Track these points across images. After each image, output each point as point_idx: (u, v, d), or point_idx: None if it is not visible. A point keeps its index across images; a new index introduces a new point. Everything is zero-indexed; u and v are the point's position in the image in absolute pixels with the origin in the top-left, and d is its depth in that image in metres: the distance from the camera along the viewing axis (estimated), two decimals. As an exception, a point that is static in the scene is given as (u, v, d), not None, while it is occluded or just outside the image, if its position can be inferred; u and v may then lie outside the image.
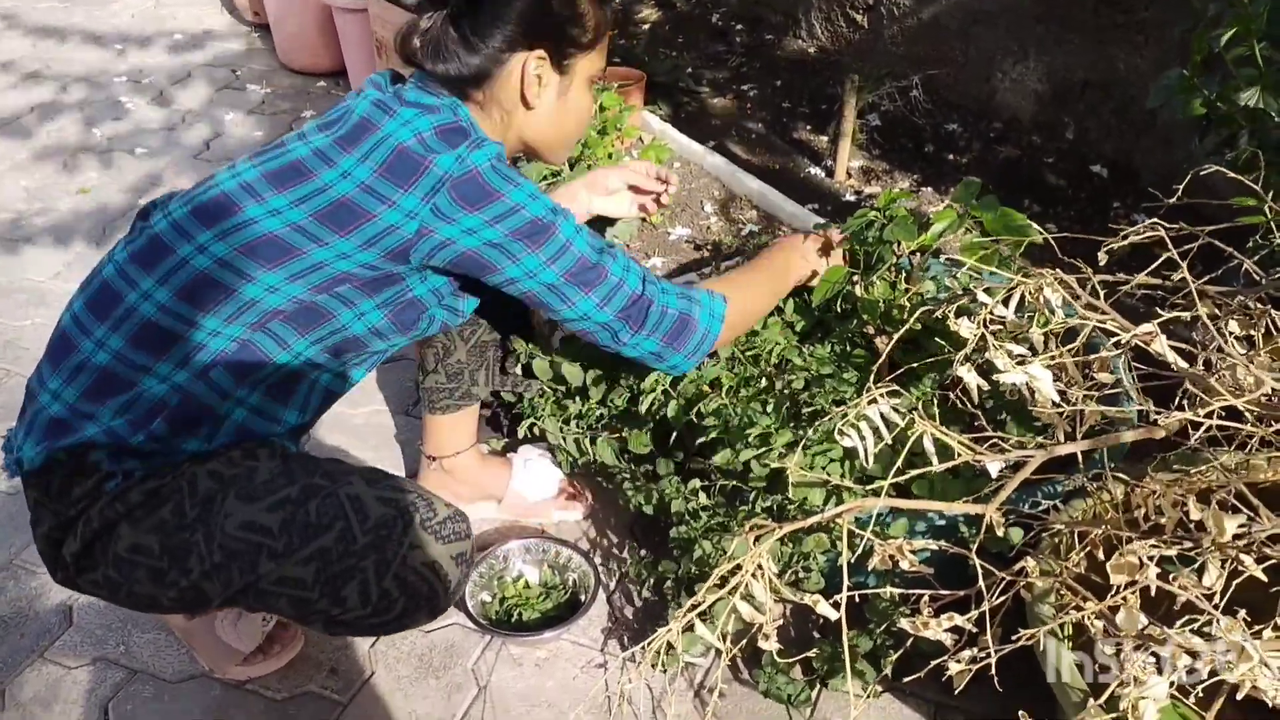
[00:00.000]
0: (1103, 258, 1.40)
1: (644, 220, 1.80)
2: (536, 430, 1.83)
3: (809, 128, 3.33)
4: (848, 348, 1.76)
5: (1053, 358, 1.30)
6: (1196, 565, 1.13)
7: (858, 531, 1.29)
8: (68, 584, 1.39)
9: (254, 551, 1.30)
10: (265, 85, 3.89)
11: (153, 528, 1.31)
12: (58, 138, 3.50)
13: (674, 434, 1.70)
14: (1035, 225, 1.56)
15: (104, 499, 1.31)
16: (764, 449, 1.49)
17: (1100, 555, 1.29)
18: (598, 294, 1.43)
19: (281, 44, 3.97)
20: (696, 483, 1.60)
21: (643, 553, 1.80)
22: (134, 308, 1.32)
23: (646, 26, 4.17)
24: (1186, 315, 1.21)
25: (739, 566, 1.27)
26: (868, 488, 1.43)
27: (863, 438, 1.27)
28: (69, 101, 3.77)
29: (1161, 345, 1.06)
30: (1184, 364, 1.10)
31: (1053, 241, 1.41)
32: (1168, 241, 1.22)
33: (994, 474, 1.21)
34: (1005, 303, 1.35)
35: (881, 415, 1.29)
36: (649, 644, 1.32)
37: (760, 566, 1.27)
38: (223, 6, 4.62)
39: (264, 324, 1.34)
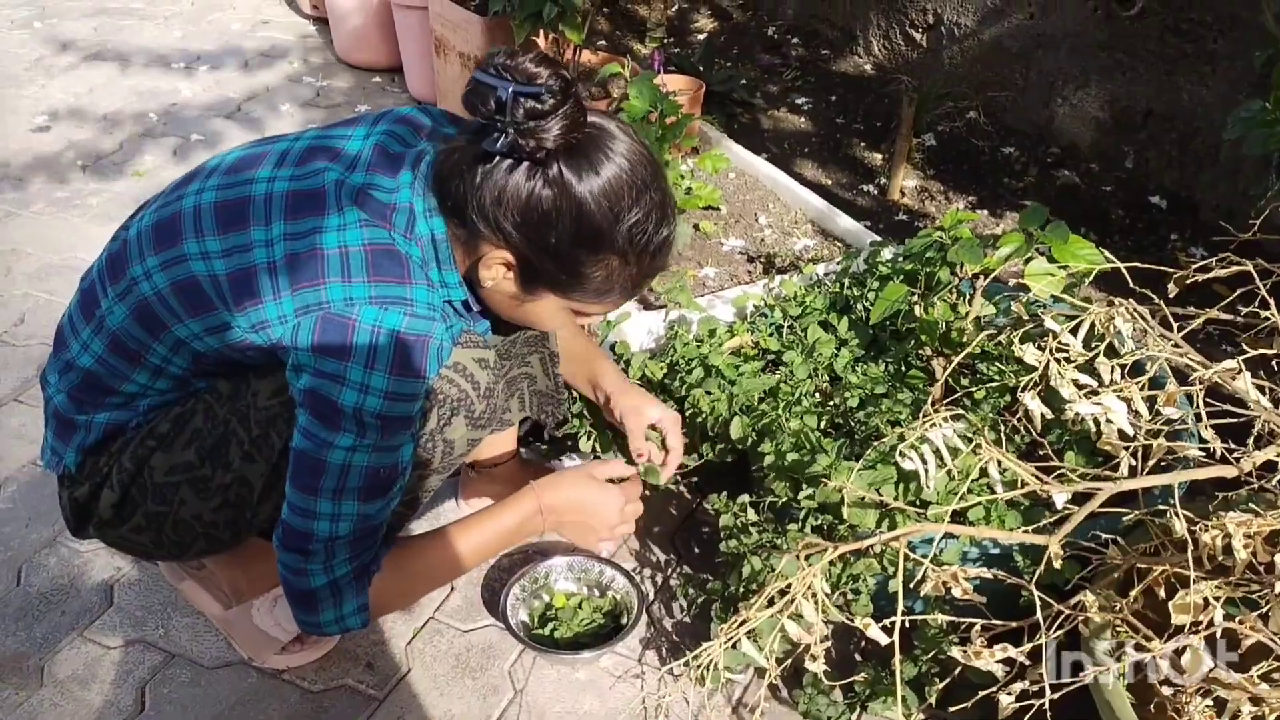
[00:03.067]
0: (1172, 289, 1.37)
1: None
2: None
3: (863, 145, 3.30)
4: (903, 368, 1.74)
5: (1119, 390, 1.27)
6: (1264, 610, 1.10)
7: (912, 556, 1.27)
8: (102, 539, 1.46)
9: (288, 407, 1.32)
10: (322, 78, 3.91)
11: (188, 441, 1.37)
12: (114, 118, 3.54)
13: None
14: (1104, 253, 1.53)
15: (133, 442, 1.38)
16: (820, 482, 1.46)
17: (1161, 593, 1.26)
18: (322, 507, 1.29)
19: (340, 38, 3.99)
20: (746, 498, 1.58)
21: (685, 568, 1.78)
22: (104, 317, 1.35)
23: (703, 36, 4.16)
24: (1267, 353, 1.17)
25: (789, 586, 1.25)
26: (923, 512, 1.40)
27: (924, 461, 1.25)
28: (128, 84, 3.81)
29: (1245, 382, 1.04)
30: (1266, 402, 1.07)
31: (1124, 270, 1.38)
32: (1254, 275, 1.19)
33: (1059, 505, 1.18)
34: (1074, 331, 1.33)
35: (944, 439, 1.27)
36: (695, 658, 1.31)
37: (811, 587, 1.25)
38: (282, -1, 4.68)
39: (221, 358, 1.35)
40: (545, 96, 1.15)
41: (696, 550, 1.84)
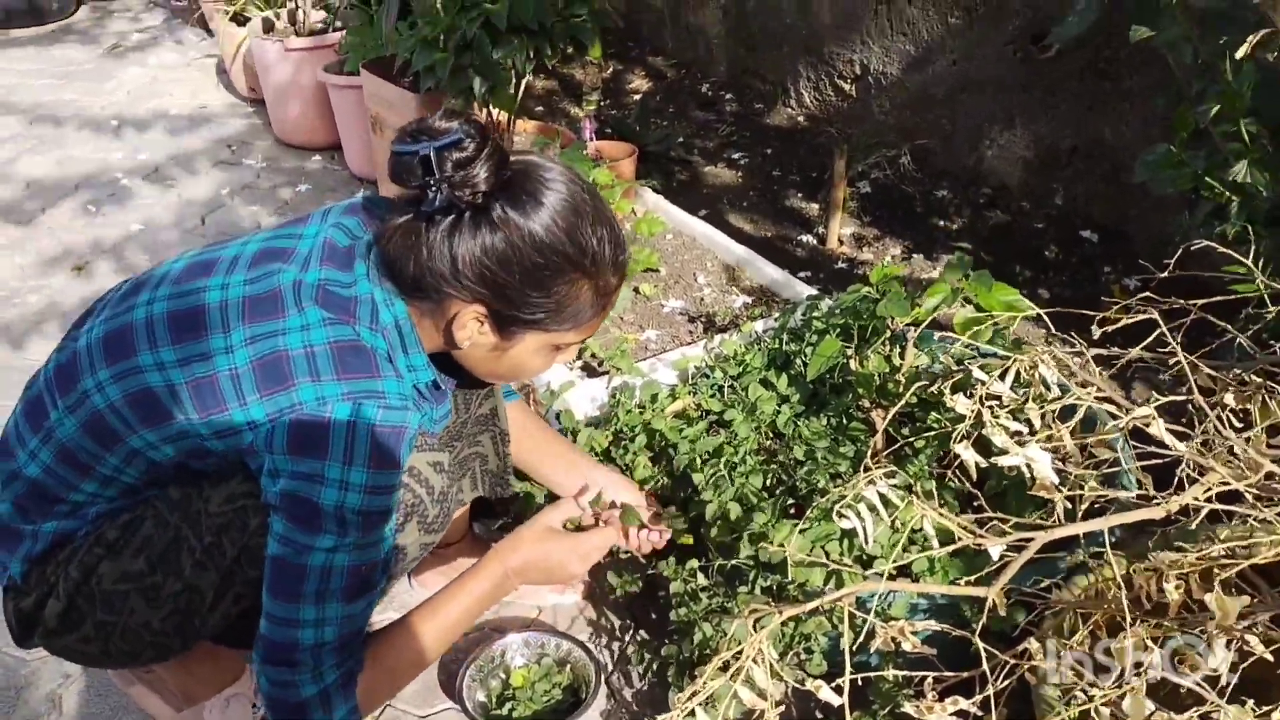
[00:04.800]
0: (1096, 331, 1.41)
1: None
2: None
3: (800, 195, 3.36)
4: (844, 421, 1.76)
5: (1050, 436, 1.29)
6: (1200, 648, 1.11)
7: (859, 614, 1.28)
8: (48, 648, 1.42)
9: (241, 514, 1.31)
10: (261, 160, 3.92)
11: (137, 550, 1.34)
12: (55, 214, 3.52)
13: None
14: (1027, 300, 1.56)
15: (81, 550, 1.35)
16: (762, 542, 1.47)
17: (1104, 635, 1.28)
18: (305, 613, 1.27)
19: (278, 119, 4.01)
20: (694, 563, 1.59)
21: (641, 634, 1.78)
22: (53, 429, 1.33)
23: (638, 96, 4.22)
24: (1183, 395, 1.20)
25: (740, 652, 1.25)
26: (868, 571, 1.41)
27: (861, 519, 1.26)
28: (64, 172, 3.79)
29: (1159, 429, 1.06)
30: (1181, 447, 1.09)
31: (1045, 317, 1.41)
32: (1159, 321, 1.22)
33: (995, 556, 1.20)
34: (1001, 379, 1.35)
35: (880, 495, 1.28)
36: (649, 732, 1.30)
37: (761, 651, 1.25)
38: (219, 83, 4.68)
39: (175, 465, 1.33)
40: (466, 142, 1.18)
41: (653, 616, 1.83)
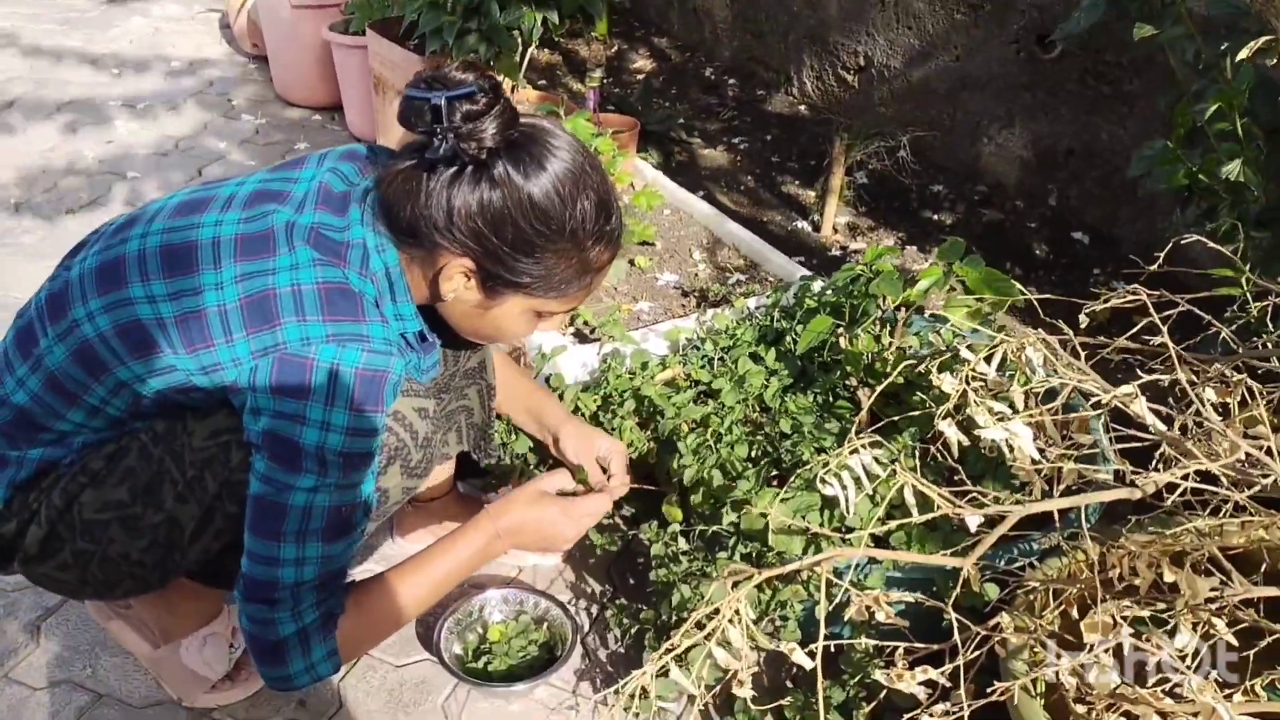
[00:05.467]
0: (1084, 320, 1.43)
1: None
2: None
3: (797, 182, 3.37)
4: (830, 398, 1.78)
5: (1032, 416, 1.32)
6: (1169, 627, 1.14)
7: (836, 581, 1.30)
8: (27, 575, 1.43)
9: (224, 449, 1.32)
10: (260, 116, 3.92)
11: (120, 479, 1.35)
12: (49, 157, 3.51)
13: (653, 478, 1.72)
14: (1019, 285, 1.58)
15: (65, 478, 1.36)
16: (743, 509, 1.49)
17: (1075, 614, 1.30)
18: (285, 552, 1.28)
19: (279, 76, 4.00)
20: (675, 527, 1.61)
21: (620, 599, 1.80)
22: (42, 356, 1.34)
23: (641, 76, 4.23)
24: (1165, 380, 1.23)
25: (716, 611, 1.27)
26: (847, 537, 1.44)
27: (844, 487, 1.28)
28: (63, 121, 3.78)
29: (1141, 407, 1.09)
30: (1162, 426, 1.12)
31: (1035, 302, 1.44)
32: (1149, 306, 1.24)
33: (973, 528, 1.22)
34: (988, 360, 1.37)
35: (863, 465, 1.30)
36: (622, 687, 1.32)
37: (738, 612, 1.27)
38: (222, 37, 4.66)
39: (161, 400, 1.34)
40: (478, 96, 1.18)
41: (632, 581, 1.85)
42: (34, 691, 1.63)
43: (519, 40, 2.73)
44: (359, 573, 1.45)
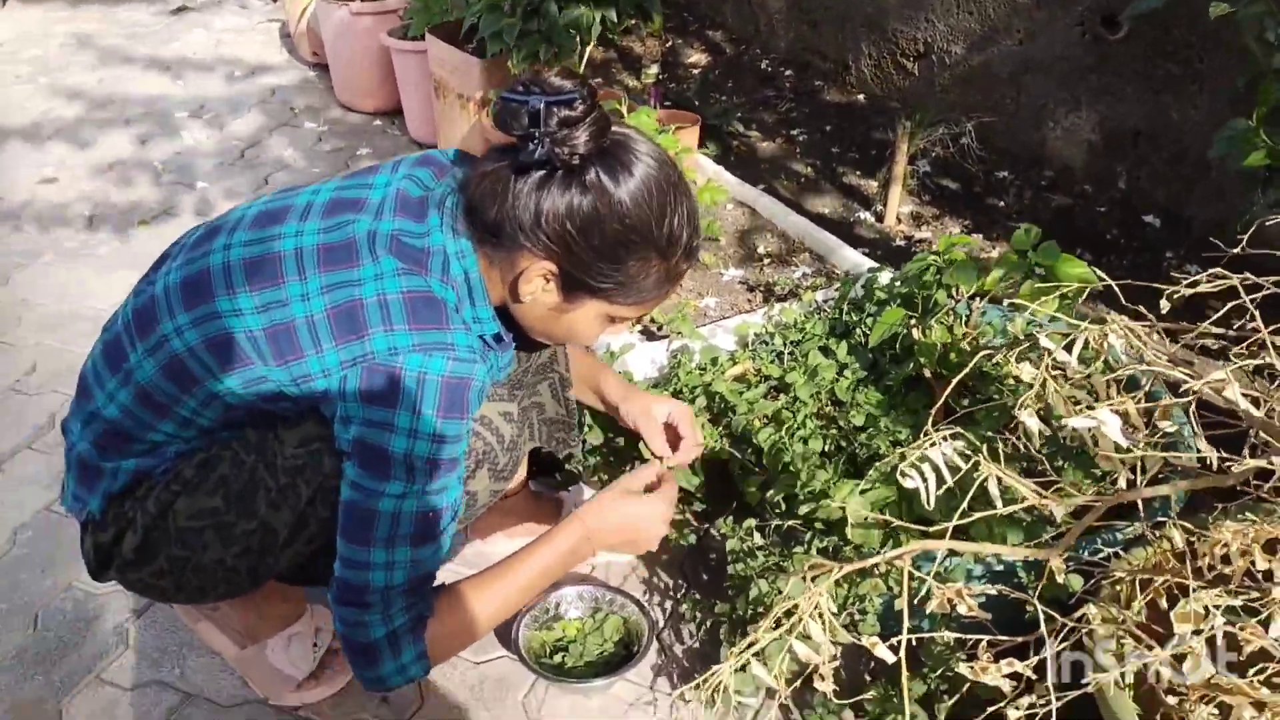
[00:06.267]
0: (1164, 305, 1.40)
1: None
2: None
3: (858, 173, 3.35)
4: (903, 391, 1.76)
5: (1115, 405, 1.29)
6: (1263, 616, 1.12)
7: (916, 575, 1.29)
8: (123, 582, 1.46)
9: (316, 456, 1.35)
10: (322, 123, 3.97)
11: (213, 488, 1.38)
12: (119, 167, 3.60)
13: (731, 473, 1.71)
14: (1096, 272, 1.56)
15: (159, 487, 1.39)
16: (821, 500, 1.48)
17: (1163, 604, 1.28)
18: (375, 556, 1.30)
19: (339, 83, 4.06)
20: (752, 522, 1.61)
21: (694, 594, 1.80)
22: (131, 371, 1.36)
23: (696, 71, 4.22)
24: (1251, 364, 1.20)
25: (796, 606, 1.27)
26: (927, 531, 1.42)
27: (925, 479, 1.27)
28: (132, 133, 3.87)
29: (1234, 393, 1.06)
30: (1256, 411, 1.09)
31: (1115, 288, 1.41)
32: (1239, 289, 1.21)
33: (1059, 519, 1.20)
34: (1068, 349, 1.35)
35: (944, 457, 1.29)
36: (703, 682, 1.32)
37: (817, 606, 1.27)
38: (283, 45, 4.74)
39: (252, 409, 1.36)
40: (576, 103, 1.19)
41: (705, 577, 1.85)
42: (125, 692, 1.67)
43: (578, 40, 2.74)
44: (440, 574, 1.47)
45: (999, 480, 1.23)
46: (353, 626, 1.33)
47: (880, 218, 3.05)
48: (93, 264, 3.00)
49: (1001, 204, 3.10)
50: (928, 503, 1.26)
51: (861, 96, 3.87)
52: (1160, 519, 1.40)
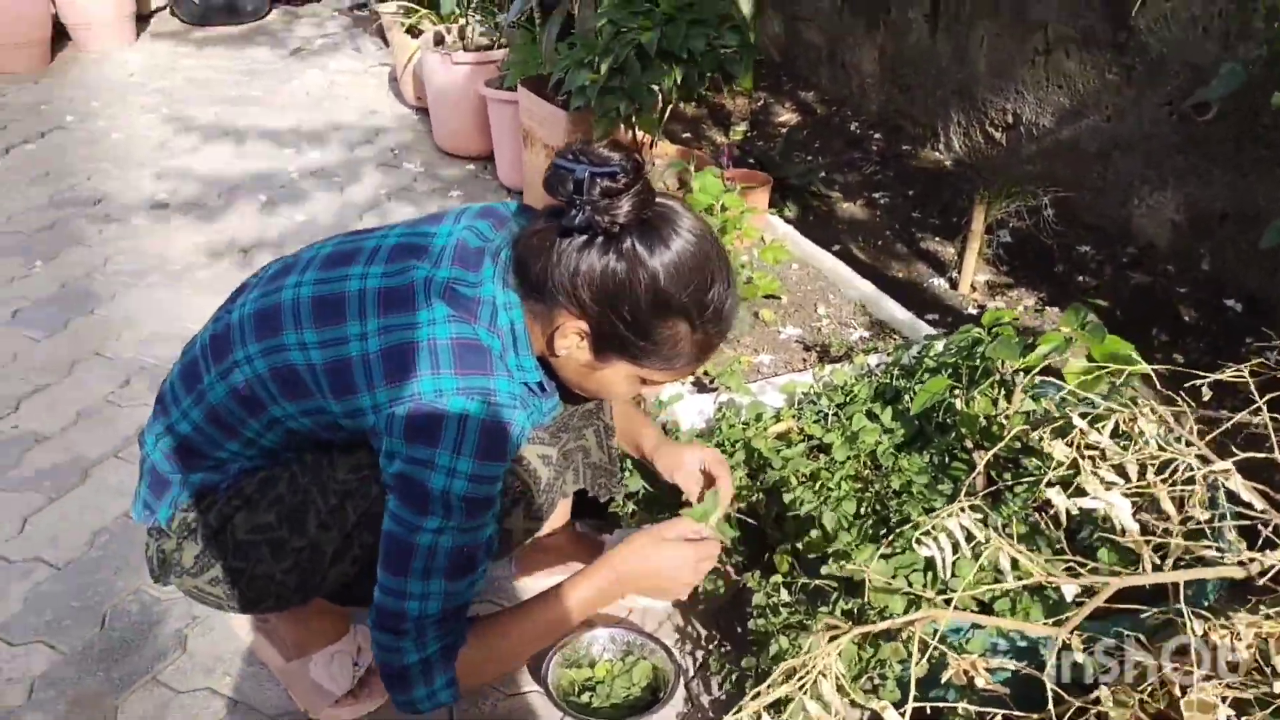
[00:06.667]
0: (1206, 392, 1.40)
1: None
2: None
3: (937, 239, 3.35)
4: (946, 460, 1.77)
5: (1141, 488, 1.29)
6: (1273, 708, 1.10)
7: (932, 643, 1.30)
8: (181, 587, 1.55)
9: (365, 483, 1.44)
10: (420, 165, 4.14)
11: (270, 505, 1.47)
12: (227, 197, 3.79)
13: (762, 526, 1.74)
14: (1138, 356, 1.56)
15: (220, 501, 1.49)
16: (843, 559, 1.50)
17: (1177, 691, 1.27)
18: (412, 587, 1.37)
19: (438, 128, 4.23)
20: (778, 578, 1.63)
21: (726, 647, 1.82)
22: (205, 392, 1.46)
23: (786, 129, 4.28)
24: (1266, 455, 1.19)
25: (804, 664, 1.29)
26: (948, 599, 1.43)
27: (941, 549, 1.29)
28: (241, 166, 4.08)
29: (1237, 483, 1.06)
30: (1260, 504, 1.09)
31: (1152, 374, 1.41)
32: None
33: (1069, 597, 1.21)
34: (1099, 428, 1.36)
35: (963, 528, 1.31)
36: (716, 732, 1.35)
37: (830, 665, 1.29)
38: (390, 89, 4.94)
39: (310, 435, 1.46)
40: (619, 175, 1.26)
41: (739, 629, 1.87)
42: (177, 694, 1.76)
43: (659, 98, 2.82)
44: (482, 608, 1.52)
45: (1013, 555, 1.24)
46: (388, 651, 1.40)
47: (955, 285, 3.05)
48: (192, 287, 3.17)
49: (1080, 278, 3.08)
50: (944, 573, 1.28)
51: (949, 163, 3.88)
52: (1177, 605, 1.39)
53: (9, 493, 2.26)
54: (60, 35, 5.45)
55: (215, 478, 1.51)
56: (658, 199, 1.33)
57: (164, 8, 6.12)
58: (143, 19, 5.89)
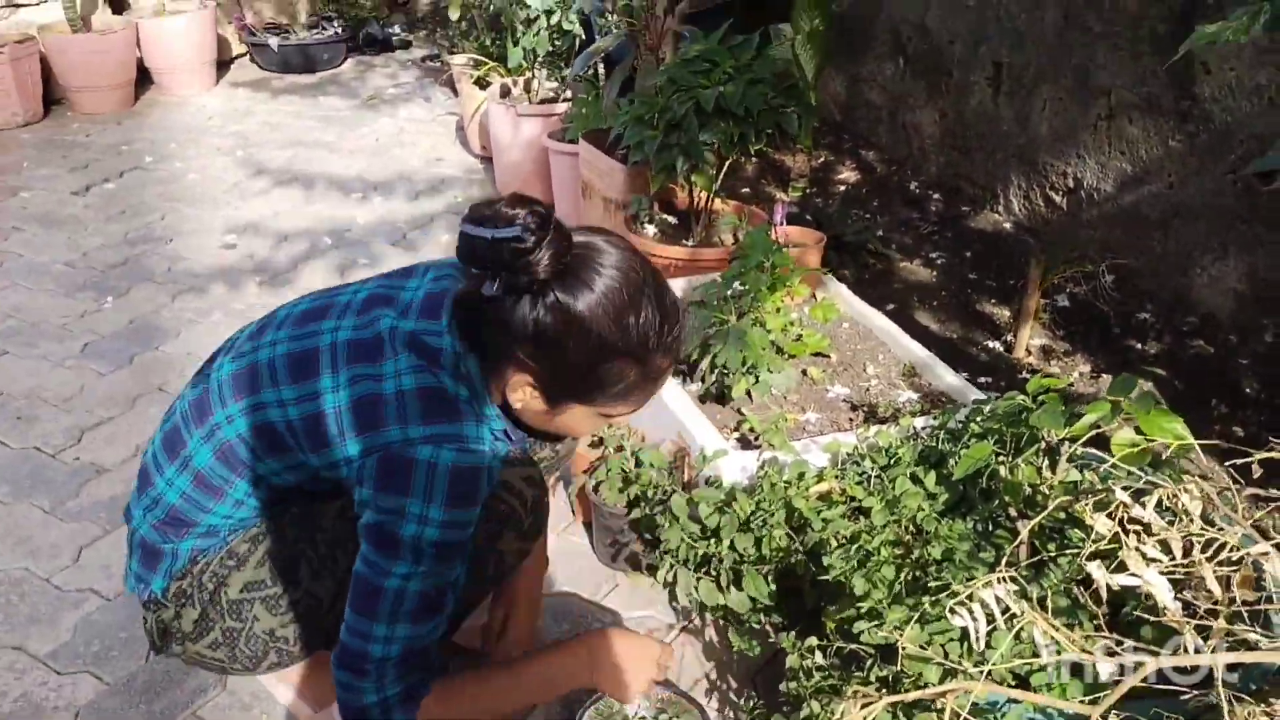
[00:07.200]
0: (1256, 469, 1.37)
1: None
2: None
3: (993, 301, 3.33)
4: (990, 527, 1.75)
5: (1184, 565, 1.27)
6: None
7: (964, 716, 1.28)
8: (182, 656, 1.59)
9: (352, 527, 1.43)
10: (482, 212, 4.20)
11: (260, 561, 1.52)
12: (293, 239, 3.89)
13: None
14: (1185, 429, 1.53)
15: (214, 562, 1.53)
16: (876, 621, 1.49)
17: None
18: (377, 630, 1.37)
19: (500, 177, 4.31)
20: (814, 640, 1.62)
21: (761, 707, 1.80)
22: (189, 457, 1.50)
23: (844, 188, 4.29)
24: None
25: (836, 731, 1.28)
26: (984, 670, 1.41)
27: (974, 619, 1.27)
28: (310, 210, 4.19)
29: (1274, 565, 1.04)
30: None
31: (1199, 448, 1.39)
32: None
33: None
34: (1142, 504, 1.33)
35: (998, 599, 1.29)
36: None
37: (858, 735, 1.27)
38: (456, 138, 5.05)
39: (296, 488, 1.50)
40: (525, 236, 1.24)
41: (775, 692, 1.85)
42: (214, 730, 1.79)
43: (716, 154, 2.86)
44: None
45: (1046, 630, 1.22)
46: (348, 690, 1.41)
47: (1010, 348, 3.02)
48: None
49: (1140, 346, 3.03)
50: (977, 643, 1.26)
51: (1007, 225, 3.86)
52: (1239, 691, 1.35)
53: (67, 523, 2.32)
54: (144, 79, 5.65)
55: (206, 543, 1.54)
56: (576, 240, 1.32)
57: (244, 55, 6.33)
58: (223, 65, 6.08)
